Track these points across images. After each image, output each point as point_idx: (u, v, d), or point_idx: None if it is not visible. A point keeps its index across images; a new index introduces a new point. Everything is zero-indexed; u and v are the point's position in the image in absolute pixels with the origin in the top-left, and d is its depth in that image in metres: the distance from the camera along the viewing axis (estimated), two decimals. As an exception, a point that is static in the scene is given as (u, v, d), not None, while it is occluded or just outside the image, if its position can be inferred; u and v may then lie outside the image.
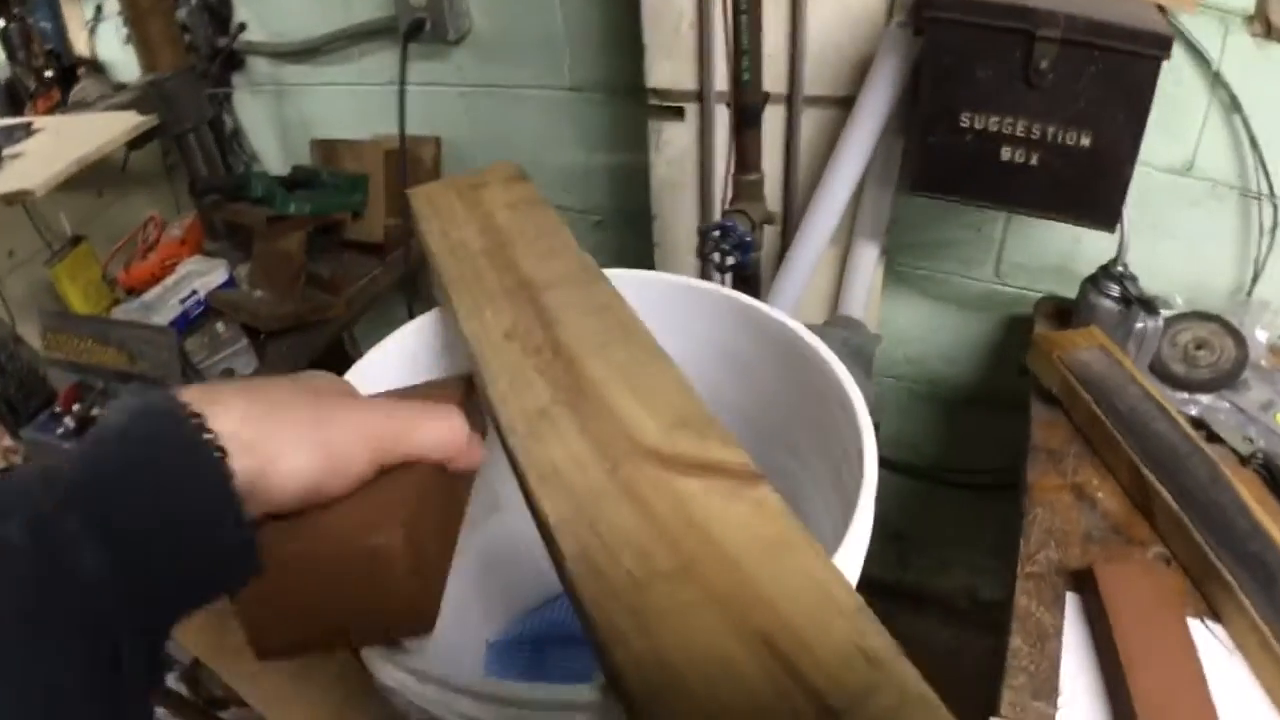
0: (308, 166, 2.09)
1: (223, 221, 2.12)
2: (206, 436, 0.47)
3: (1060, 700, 0.98)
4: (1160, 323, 1.37)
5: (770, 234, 1.69)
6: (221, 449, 0.47)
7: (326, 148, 2.18)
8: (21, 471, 0.44)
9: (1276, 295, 1.48)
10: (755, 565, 0.51)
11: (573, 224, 2.01)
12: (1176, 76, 1.38)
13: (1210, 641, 1.02)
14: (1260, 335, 1.41)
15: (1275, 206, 1.42)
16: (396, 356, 0.97)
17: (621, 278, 1.00)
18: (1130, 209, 1.33)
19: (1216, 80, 1.37)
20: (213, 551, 0.47)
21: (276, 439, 0.50)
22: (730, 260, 1.31)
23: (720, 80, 1.55)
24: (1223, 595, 1.03)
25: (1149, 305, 1.37)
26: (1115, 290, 1.41)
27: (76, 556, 0.42)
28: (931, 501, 2.12)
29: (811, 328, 1.21)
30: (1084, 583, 1.09)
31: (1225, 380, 1.37)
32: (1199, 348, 1.39)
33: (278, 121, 2.35)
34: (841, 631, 0.47)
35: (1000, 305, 1.75)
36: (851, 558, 0.73)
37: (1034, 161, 1.30)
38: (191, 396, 0.48)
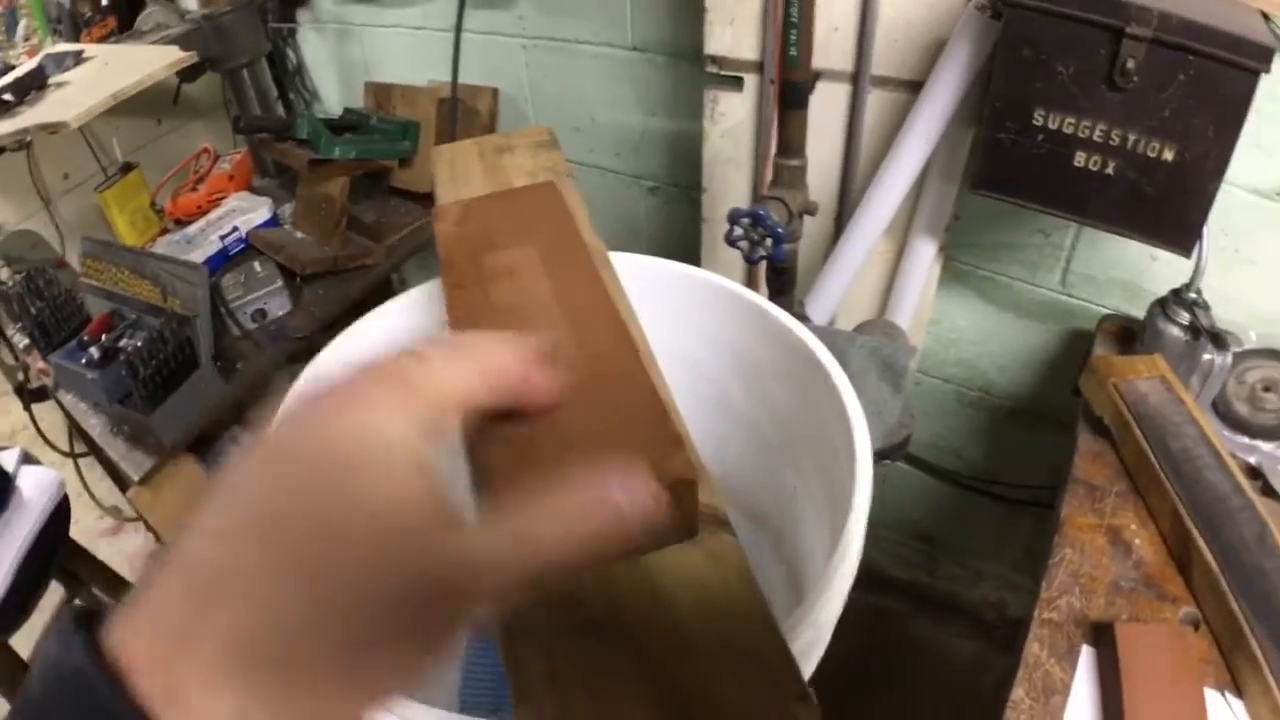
0: (359, 110, 2.06)
1: (272, 160, 2.09)
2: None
3: (1057, 763, 0.92)
4: (1229, 359, 1.27)
5: (823, 220, 1.61)
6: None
7: (380, 91, 2.15)
8: None
9: None
10: (698, 631, 0.45)
11: (626, 189, 1.99)
12: (1274, 91, 1.25)
13: (1228, 718, 0.95)
14: (1336, 383, 1.30)
15: None
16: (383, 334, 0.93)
17: (635, 263, 0.94)
18: (1210, 231, 1.23)
19: None
20: None
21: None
22: (760, 252, 1.22)
23: (784, 54, 1.46)
24: (1249, 671, 0.95)
25: (1219, 339, 1.28)
26: (1185, 318, 1.32)
27: None
28: (966, 509, 2.05)
29: (840, 334, 1.15)
30: (1102, 638, 1.02)
31: None
32: (1267, 389, 1.28)
33: (340, 61, 2.31)
34: (774, 714, 0.42)
35: (1062, 317, 1.65)
36: (831, 600, 0.67)
37: (1109, 171, 1.20)
38: (129, 658, 0.29)
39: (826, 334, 1.11)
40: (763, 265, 1.33)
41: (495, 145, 0.96)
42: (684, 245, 1.94)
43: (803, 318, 1.49)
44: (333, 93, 2.39)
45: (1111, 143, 1.18)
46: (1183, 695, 0.93)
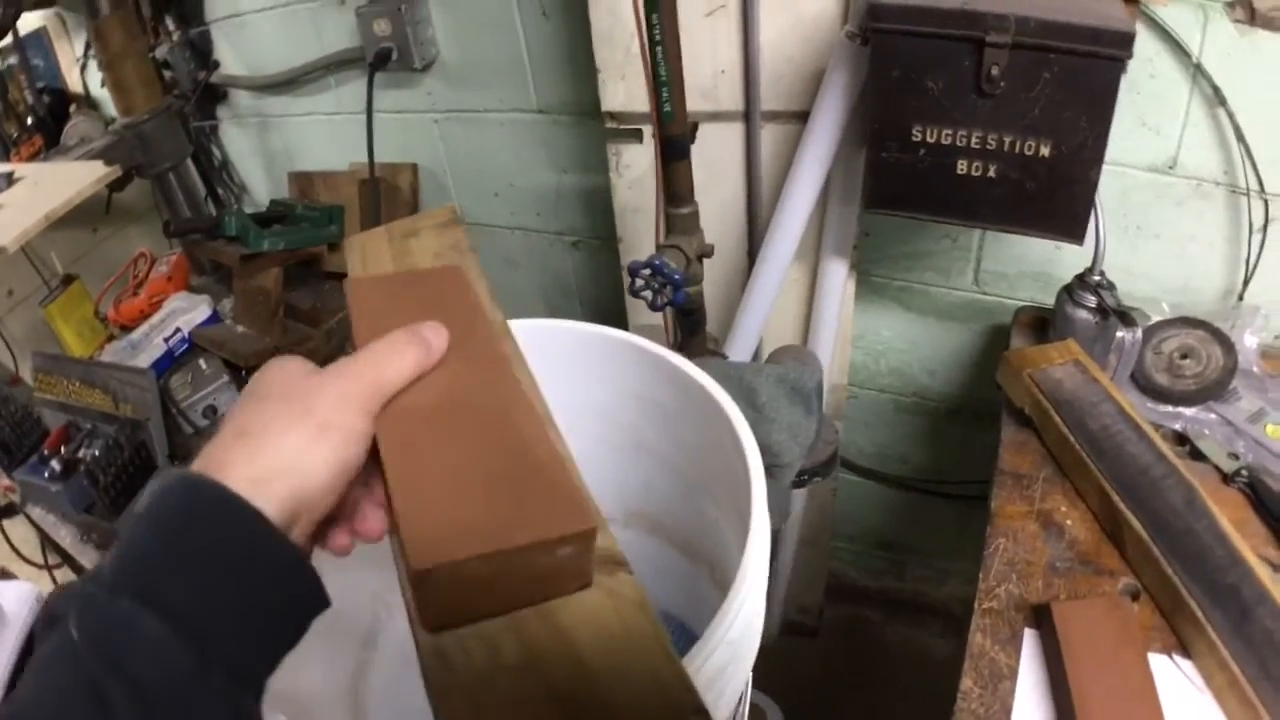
0: (285, 201, 2.10)
1: (207, 259, 2.13)
2: (226, 492, 0.50)
3: (1010, 746, 0.94)
4: (1139, 334, 1.31)
5: (735, 254, 1.67)
6: (241, 499, 0.50)
7: (303, 180, 2.20)
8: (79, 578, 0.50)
9: (1268, 297, 1.42)
10: (599, 661, 0.51)
11: (550, 246, 2.04)
12: (1152, 70, 1.33)
13: (1179, 679, 0.97)
14: (1250, 341, 1.35)
15: (1265, 203, 1.35)
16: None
17: (541, 328, 1.00)
18: (1107, 213, 1.28)
19: (1198, 72, 1.31)
20: (270, 589, 0.51)
21: (286, 452, 0.53)
22: (662, 299, 1.27)
23: (680, 101, 1.51)
24: (1192, 631, 0.98)
25: (1126, 316, 1.31)
26: (1092, 301, 1.35)
27: (131, 633, 0.45)
28: (923, 512, 2.09)
29: (748, 367, 1.19)
30: (1042, 619, 1.05)
31: (1213, 391, 1.31)
32: (1184, 356, 1.33)
33: (263, 152, 2.36)
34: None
35: (981, 315, 1.71)
36: (740, 617, 0.72)
37: (992, 174, 1.25)
38: (201, 467, 0.52)
39: (735, 368, 1.16)
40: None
41: (402, 230, 1.00)
42: (611, 294, 2.00)
43: (717, 354, 1.53)
44: (260, 184, 2.43)
45: (989, 147, 1.23)
46: (1126, 663, 0.96)
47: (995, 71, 1.16)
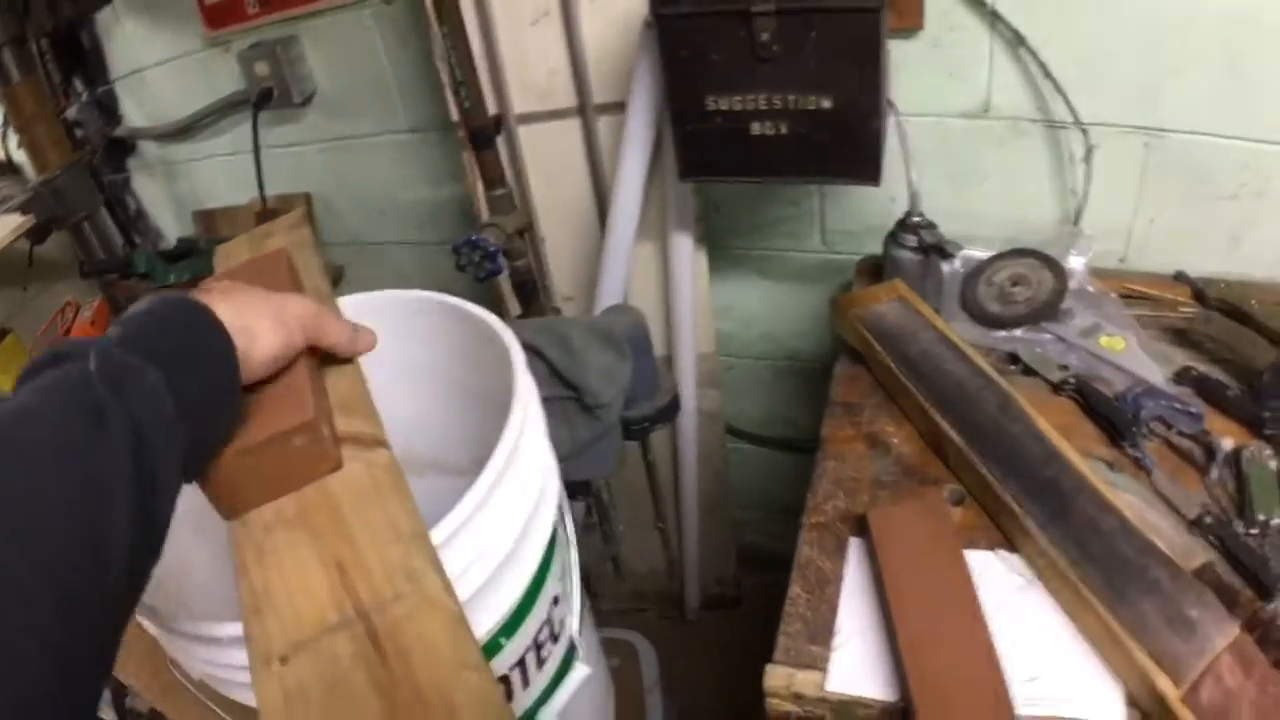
0: (190, 237, 2.20)
1: (124, 299, 2.23)
2: (214, 316, 0.67)
3: (836, 642, 1.01)
4: (957, 265, 1.40)
5: (594, 237, 1.76)
6: (223, 324, 0.67)
7: (206, 217, 2.31)
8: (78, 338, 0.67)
9: (1103, 222, 1.49)
10: (350, 509, 0.68)
11: (434, 257, 2.13)
12: (951, 23, 1.41)
13: (1004, 572, 1.04)
14: (1076, 262, 1.42)
15: (1085, 132, 1.42)
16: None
17: (379, 298, 1.16)
18: (934, 159, 1.39)
19: (995, 18, 1.38)
20: (223, 389, 0.67)
21: (257, 324, 0.70)
22: (482, 271, 1.39)
23: (519, 104, 1.63)
24: (1013, 525, 1.06)
25: (943, 251, 1.39)
26: (913, 241, 1.43)
27: (139, 378, 0.58)
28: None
29: (563, 321, 1.30)
30: (864, 527, 1.12)
31: (1044, 312, 1.37)
32: (1015, 284, 1.40)
33: (172, 197, 2.46)
34: (396, 555, 0.64)
35: (834, 273, 1.78)
36: (487, 503, 0.84)
37: (784, 131, 1.35)
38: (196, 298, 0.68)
39: (551, 322, 1.27)
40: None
41: (262, 233, 1.15)
42: (492, 298, 2.07)
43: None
44: (172, 227, 2.53)
45: (776, 107, 1.33)
46: (938, 559, 1.03)
47: (766, 37, 1.27)
